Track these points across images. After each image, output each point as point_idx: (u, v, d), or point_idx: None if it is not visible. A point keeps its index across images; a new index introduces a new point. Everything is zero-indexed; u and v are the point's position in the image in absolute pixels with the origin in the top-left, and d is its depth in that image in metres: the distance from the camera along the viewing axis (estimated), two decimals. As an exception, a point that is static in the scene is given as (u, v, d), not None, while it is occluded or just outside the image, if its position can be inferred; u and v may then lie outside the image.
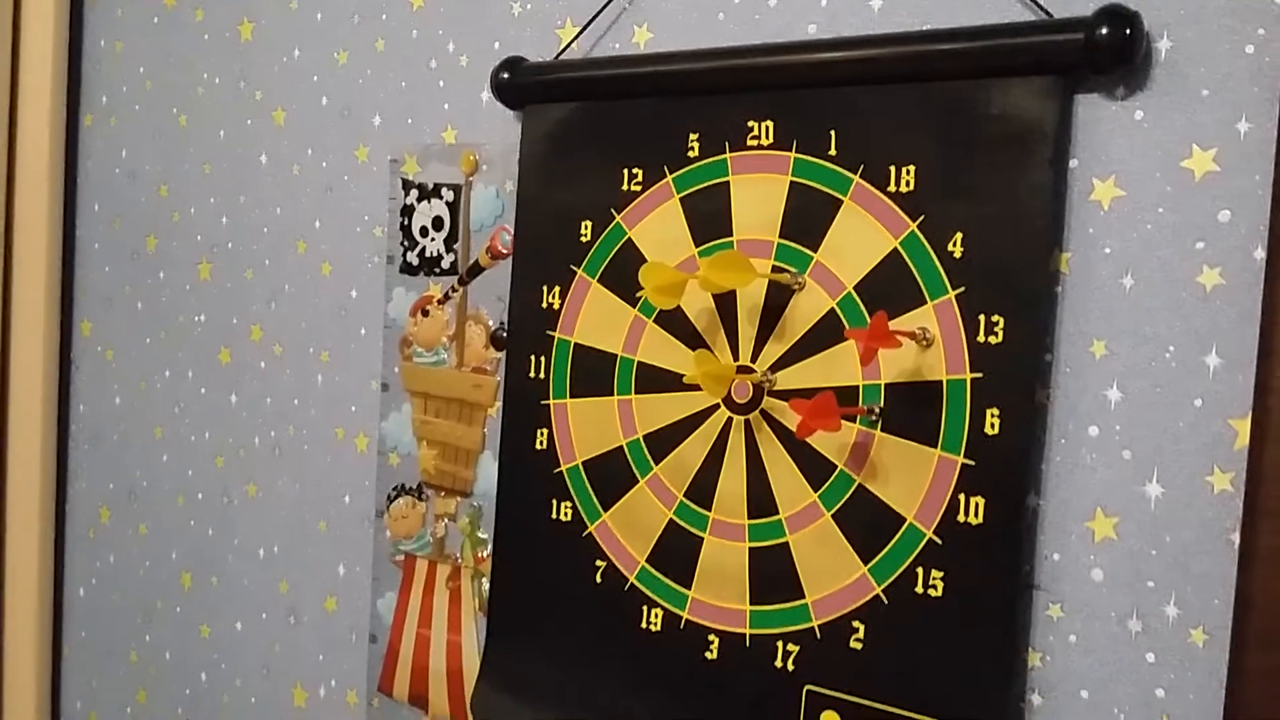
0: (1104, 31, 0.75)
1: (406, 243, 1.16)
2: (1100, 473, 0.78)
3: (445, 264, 1.14)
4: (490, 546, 1.10)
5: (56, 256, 1.45)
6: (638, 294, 0.97)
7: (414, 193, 1.16)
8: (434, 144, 1.14)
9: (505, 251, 1.09)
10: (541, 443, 1.03)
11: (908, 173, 0.84)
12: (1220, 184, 0.74)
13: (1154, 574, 0.76)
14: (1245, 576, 0.73)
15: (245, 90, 1.29)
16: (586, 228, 1.01)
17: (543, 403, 1.03)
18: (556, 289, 1.03)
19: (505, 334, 1.08)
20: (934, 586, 0.82)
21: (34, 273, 1.45)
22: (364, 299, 1.20)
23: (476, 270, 1.12)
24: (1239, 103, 0.73)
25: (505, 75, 1.04)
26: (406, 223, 1.16)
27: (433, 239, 1.15)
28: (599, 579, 0.99)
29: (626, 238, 0.99)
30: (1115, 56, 0.75)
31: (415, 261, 1.16)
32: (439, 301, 1.14)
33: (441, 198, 1.14)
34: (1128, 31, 0.74)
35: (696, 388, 0.91)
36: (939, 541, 0.82)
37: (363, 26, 1.19)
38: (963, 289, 0.81)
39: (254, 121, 1.28)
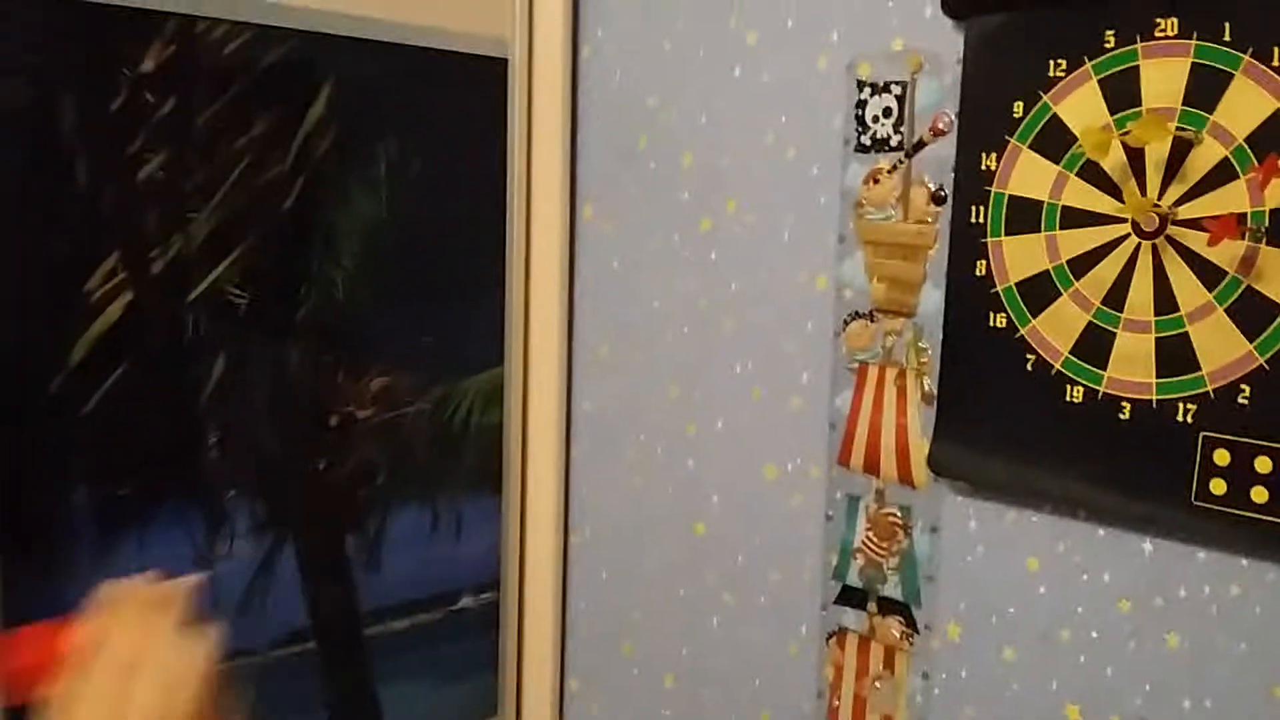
0: None
1: (860, 129, 1.55)
2: None
3: (893, 143, 1.51)
4: (931, 353, 1.48)
5: (566, 157, 1.93)
6: (1063, 155, 1.30)
7: (867, 90, 1.53)
8: (884, 50, 1.51)
9: (945, 130, 1.45)
10: (981, 271, 1.40)
11: (1290, 50, 1.14)
12: None
13: None
14: None
15: (720, 19, 1.70)
16: (1019, 106, 1.35)
17: (981, 241, 1.40)
18: (994, 155, 1.38)
19: (945, 193, 1.45)
20: (1306, 357, 1.14)
21: (550, 170, 1.94)
22: (823, 175, 1.59)
23: (920, 146, 1.48)
24: None
25: (952, -5, 1.39)
26: (860, 114, 1.54)
27: (882, 124, 1.52)
28: (1029, 368, 1.36)
29: (1052, 112, 1.32)
30: None
31: (868, 142, 1.54)
32: (888, 172, 1.52)
33: (890, 92, 1.51)
34: None
35: (1113, 221, 1.25)
36: (1312, 323, 1.13)
37: (826, -36, 1.56)
38: (1335, 134, 1.11)
39: (728, 43, 1.69)
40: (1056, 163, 1.32)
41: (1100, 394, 1.29)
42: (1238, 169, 1.17)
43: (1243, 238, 1.17)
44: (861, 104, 1.54)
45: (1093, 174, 1.29)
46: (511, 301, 1.97)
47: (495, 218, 1.94)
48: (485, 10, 1.91)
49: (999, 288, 1.38)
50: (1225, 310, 1.19)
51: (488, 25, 1.91)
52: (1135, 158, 1.25)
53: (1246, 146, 1.17)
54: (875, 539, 1.57)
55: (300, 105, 1.63)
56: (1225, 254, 1.18)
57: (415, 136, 1.81)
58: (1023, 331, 1.36)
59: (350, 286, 1.74)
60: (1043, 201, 1.34)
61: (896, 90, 1.50)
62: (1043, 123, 1.33)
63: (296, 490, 1.71)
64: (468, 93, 1.90)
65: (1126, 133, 1.20)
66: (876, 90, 1.52)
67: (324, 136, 1.66)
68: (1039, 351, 1.35)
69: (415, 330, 1.85)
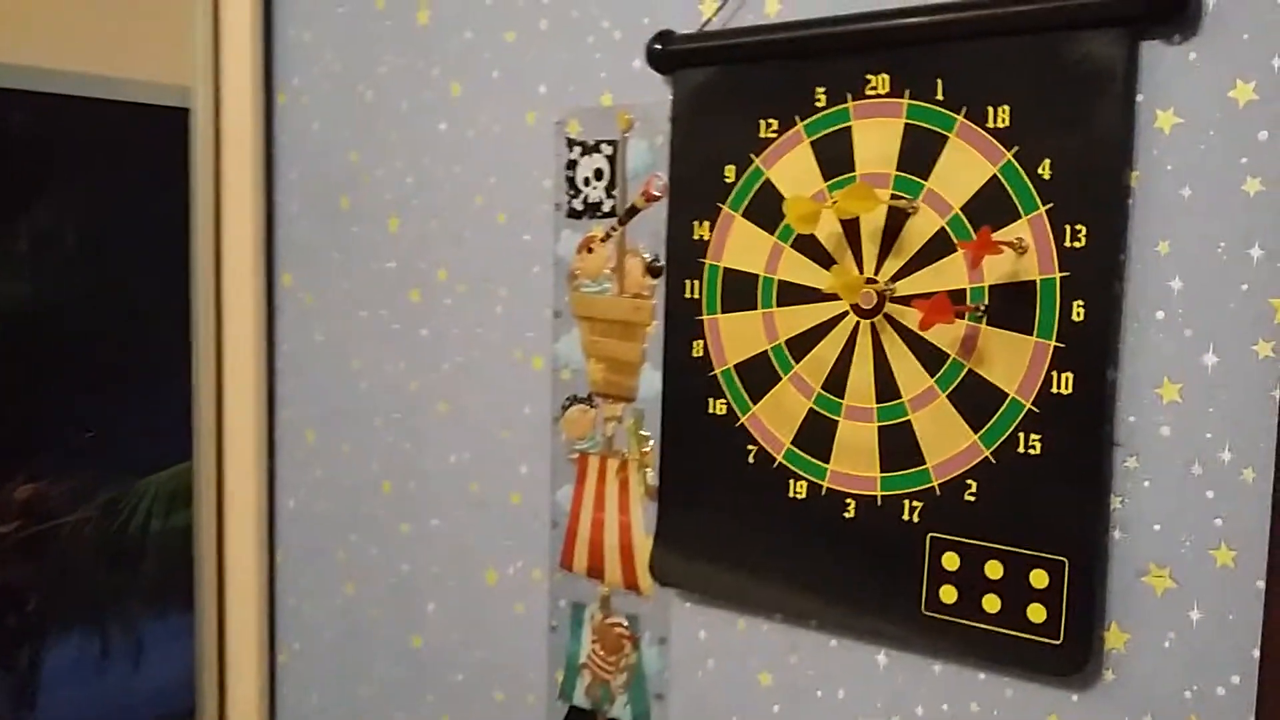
0: (1162, -11, 0.93)
1: (571, 192, 1.38)
2: (1166, 348, 0.97)
3: (605, 208, 1.35)
4: (653, 442, 1.32)
5: (260, 218, 1.70)
6: (777, 224, 1.17)
7: (577, 149, 1.37)
8: (593, 107, 1.35)
9: (658, 195, 1.30)
10: (698, 351, 1.25)
11: (1003, 111, 1.03)
12: (1260, 110, 0.92)
13: (1211, 427, 0.95)
14: (1285, 422, 0.91)
15: (424, 68, 1.52)
16: (730, 170, 1.22)
17: (697, 318, 1.25)
18: (706, 223, 1.24)
19: (660, 264, 1.30)
20: (1033, 447, 1.02)
21: (241, 234, 1.70)
22: (535, 241, 1.43)
23: (633, 212, 1.33)
24: (1273, 43, 0.91)
25: (658, 46, 1.25)
26: (571, 175, 1.38)
27: (594, 187, 1.36)
28: (751, 460, 1.21)
29: (765, 178, 1.19)
30: (1171, 9, 0.93)
31: (580, 207, 1.38)
32: (601, 240, 1.36)
33: (601, 152, 1.35)
34: (1182, -11, 0.93)
35: (830, 298, 1.12)
36: (1036, 410, 1.02)
37: (529, 9, 1.40)
38: (1051, 205, 1.00)
39: (433, 94, 1.51)
40: (771, 233, 1.19)
41: (824, 489, 1.16)
42: (955, 241, 1.06)
43: (962, 317, 1.05)
44: (572, 164, 1.38)
45: (808, 246, 1.16)
46: (200, 385, 1.71)
47: (178, 289, 1.68)
48: (161, 54, 1.66)
49: (717, 370, 1.24)
50: (948, 397, 1.08)
51: (165, 71, 1.66)
52: (851, 229, 1.13)
53: (963, 216, 1.06)
54: (602, 652, 1.39)
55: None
56: (945, 335, 1.07)
57: (75, 201, 1.54)
58: (743, 420, 1.22)
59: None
60: (758, 275, 1.20)
61: (607, 150, 1.35)
62: (755, 188, 1.20)
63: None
64: (142, 149, 1.64)
65: (834, 203, 1.07)
66: (587, 150, 1.37)
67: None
68: (760, 442, 1.20)
69: (72, 426, 1.57)
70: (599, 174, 1.36)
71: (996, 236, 1.02)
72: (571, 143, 1.38)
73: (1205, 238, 0.95)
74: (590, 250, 1.37)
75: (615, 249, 1.35)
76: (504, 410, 1.48)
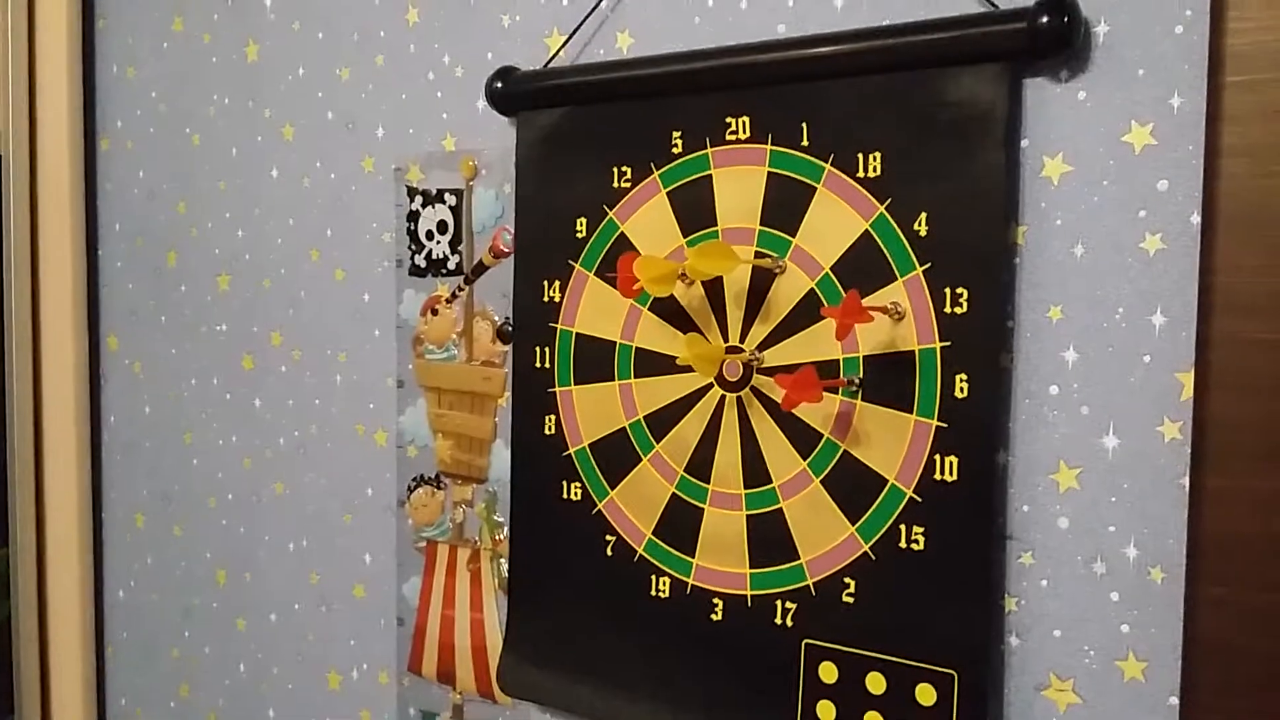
0: (1044, 20, 0.81)
1: (414, 246, 1.23)
2: (1062, 428, 0.85)
3: (451, 265, 1.21)
4: (507, 529, 1.17)
5: (81, 276, 1.52)
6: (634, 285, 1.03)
7: (418, 199, 1.22)
8: (435, 151, 1.21)
9: (507, 250, 1.16)
10: (550, 428, 1.10)
11: (874, 159, 0.91)
12: (1158, 156, 0.80)
13: (1114, 519, 0.83)
14: (1196, 517, 0.79)
15: (254, 109, 1.36)
16: (581, 224, 1.08)
17: (549, 391, 1.10)
18: (557, 283, 1.09)
19: (511, 328, 1.15)
20: (916, 541, 0.89)
21: (60, 292, 1.52)
22: (376, 302, 1.27)
23: (481, 269, 1.18)
24: (1171, 80, 0.80)
25: (499, 84, 1.11)
26: (413, 227, 1.23)
27: (438, 242, 1.21)
28: (609, 552, 1.06)
29: (619, 232, 1.05)
30: (1056, 42, 0.81)
31: (423, 264, 1.23)
32: (447, 300, 1.21)
33: (444, 202, 1.21)
34: (1066, 19, 0.81)
35: (691, 369, 0.98)
36: (919, 499, 0.89)
37: (363, 44, 1.25)
38: (929, 265, 0.88)
39: (264, 138, 1.35)
40: (611, 282, 1.05)
41: (689, 587, 1.01)
42: (824, 304, 0.93)
43: (835, 392, 0.92)
44: (413, 216, 1.23)
45: (668, 310, 1.02)
46: (17, 463, 1.52)
47: (-14, 357, 1.50)
48: (-36, 92, 1.48)
49: (572, 450, 1.09)
50: (822, 482, 0.94)
51: (-32, 111, 1.49)
52: (714, 291, 1.00)
53: (834, 277, 0.93)
54: (454, 767, 1.23)
55: None
56: (817, 412, 0.93)
57: None
58: (600, 506, 1.07)
59: None
60: (615, 342, 1.06)
61: (451, 200, 1.20)
62: (609, 244, 1.06)
63: None
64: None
65: (686, 264, 0.93)
66: (429, 200, 1.22)
67: None
68: (619, 531, 1.06)
69: None
70: (443, 227, 1.21)
71: (868, 301, 0.89)
72: (412, 192, 1.23)
73: (1101, 302, 0.83)
74: (435, 312, 1.22)
75: (463, 311, 1.20)
76: (345, 492, 1.31)
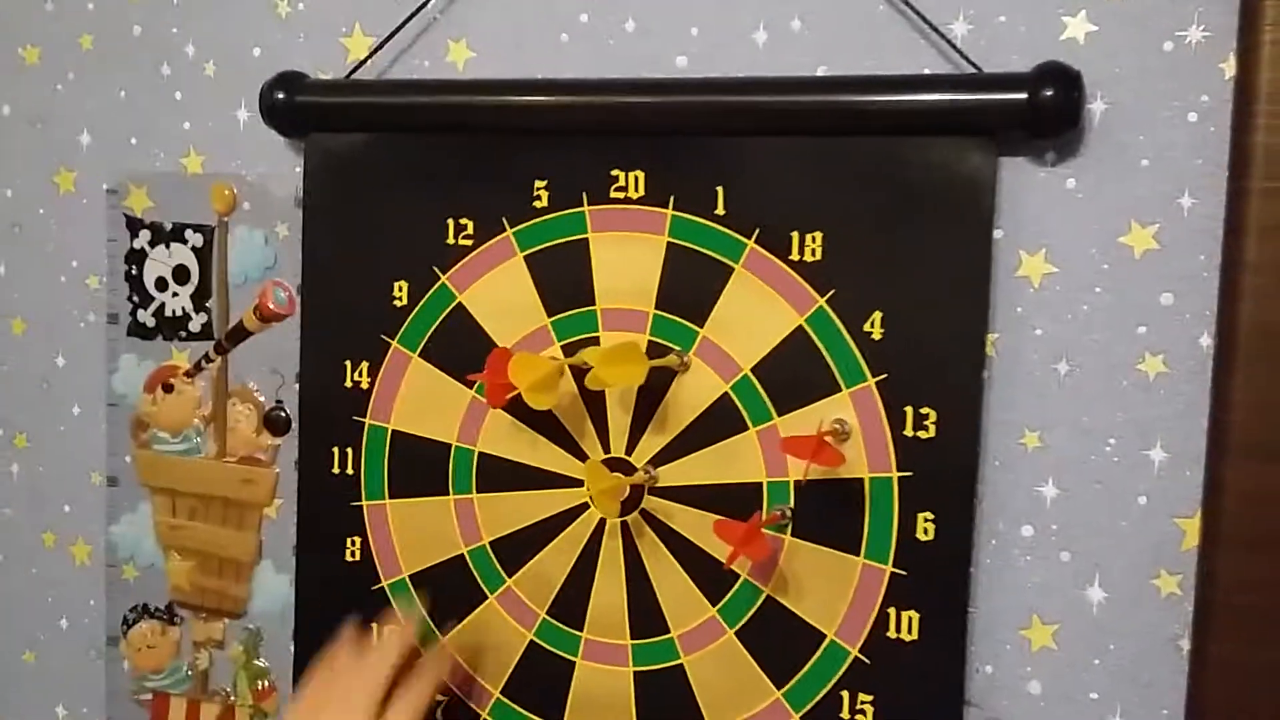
0: (1049, 94, 0.67)
1: (136, 298, 0.91)
2: (1035, 576, 0.72)
3: (194, 326, 0.90)
4: (273, 681, 0.89)
5: None
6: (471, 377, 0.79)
7: (145, 234, 0.90)
8: (171, 172, 0.89)
9: (280, 312, 0.87)
10: (354, 553, 0.84)
11: (813, 240, 0.73)
12: (1162, 263, 0.69)
13: (1098, 685, 0.71)
14: (1198, 686, 0.69)
15: (-126, 87, 0.96)
16: (401, 289, 0.82)
17: (353, 504, 0.83)
18: (365, 364, 0.83)
19: (286, 415, 0.87)
20: (862, 712, 0.73)
21: None
22: (76, 368, 0.93)
23: (240, 335, 0.89)
24: (1181, 176, 0.68)
25: (281, 95, 0.82)
26: (135, 272, 0.91)
27: (175, 294, 0.90)
28: (438, 717, 0.82)
29: (456, 302, 0.81)
30: (1060, 121, 0.67)
31: (150, 322, 0.91)
32: (188, 374, 0.90)
33: (186, 242, 0.89)
34: (1075, 94, 0.67)
35: (564, 483, 0.76)
36: (867, 661, 0.73)
37: (61, 16, 0.90)
38: (884, 375, 0.72)
39: (-107, 131, 0.96)
40: (470, 384, 0.80)
41: (554, 771, 0.80)
42: (745, 417, 0.75)
43: (779, 529, 0.73)
44: (136, 256, 0.91)
45: (525, 408, 0.79)
46: None
47: None
48: None
49: (385, 582, 0.83)
50: (737, 634, 0.76)
51: None
52: (591, 389, 0.78)
53: (756, 381, 0.74)
54: None
55: None
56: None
57: None
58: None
59: None
60: (450, 445, 0.81)
61: (195, 240, 0.89)
62: (442, 317, 0.81)
63: None
64: None
65: (586, 367, 0.71)
66: (162, 237, 0.90)
67: None
68: (453, 689, 0.82)
69: None
70: (182, 274, 0.90)
71: (801, 414, 0.71)
72: (135, 223, 0.90)
73: (1089, 431, 0.70)
74: (170, 388, 0.91)
75: (211, 389, 0.90)
76: (26, 623, 0.96)
